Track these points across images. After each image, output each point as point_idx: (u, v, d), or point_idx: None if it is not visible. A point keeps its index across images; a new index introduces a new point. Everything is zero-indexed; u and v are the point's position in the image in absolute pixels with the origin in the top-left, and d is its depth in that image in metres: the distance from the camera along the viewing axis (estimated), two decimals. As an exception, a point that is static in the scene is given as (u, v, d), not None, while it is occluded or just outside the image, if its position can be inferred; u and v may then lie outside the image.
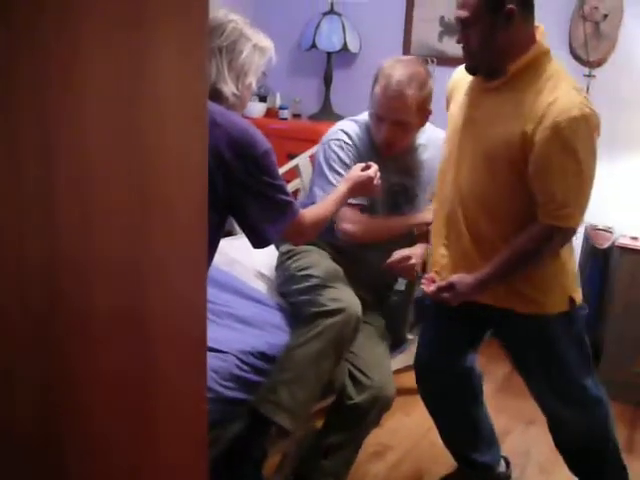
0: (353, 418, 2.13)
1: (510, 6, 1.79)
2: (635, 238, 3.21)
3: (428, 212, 2.29)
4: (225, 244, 2.05)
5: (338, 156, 2.31)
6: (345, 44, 3.99)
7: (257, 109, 4.12)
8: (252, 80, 1.86)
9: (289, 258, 2.35)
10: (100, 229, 0.84)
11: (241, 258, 2.65)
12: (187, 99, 0.90)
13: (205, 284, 0.98)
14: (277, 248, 2.46)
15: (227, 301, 2.37)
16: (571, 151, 1.78)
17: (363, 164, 2.16)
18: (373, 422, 2.20)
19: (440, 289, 1.98)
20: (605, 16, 3.33)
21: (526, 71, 1.86)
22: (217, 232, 1.82)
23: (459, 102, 2.04)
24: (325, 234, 2.15)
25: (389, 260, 2.24)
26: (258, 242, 1.87)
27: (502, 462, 2.47)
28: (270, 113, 4.24)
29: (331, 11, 4.05)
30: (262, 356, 2.12)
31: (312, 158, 2.99)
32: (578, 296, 2.01)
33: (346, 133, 2.35)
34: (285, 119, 4.14)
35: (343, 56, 4.10)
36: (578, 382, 2.06)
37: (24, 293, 0.79)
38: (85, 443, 0.91)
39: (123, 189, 0.85)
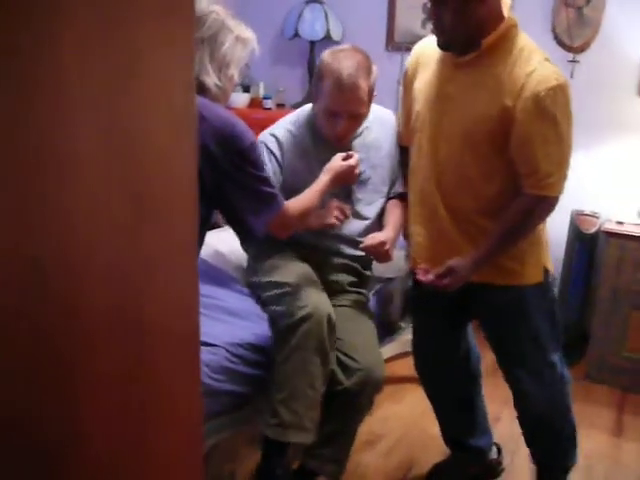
0: (345, 403, 2.14)
1: None
2: (621, 223, 3.23)
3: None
4: (211, 236, 2.05)
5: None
6: (328, 32, 3.96)
7: (241, 99, 4.08)
8: (234, 72, 1.85)
9: (255, 263, 2.36)
10: (90, 227, 0.83)
11: (226, 250, 2.65)
12: (175, 95, 0.89)
13: (197, 279, 0.97)
14: (246, 251, 2.45)
15: (213, 293, 2.37)
16: (552, 120, 1.80)
17: (344, 154, 2.15)
18: (366, 405, 2.21)
19: (439, 276, 1.97)
20: (588, 1, 3.33)
21: (498, 44, 1.86)
22: (204, 225, 1.82)
23: (427, 77, 2.03)
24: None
25: (364, 244, 2.23)
26: (245, 234, 1.87)
27: (494, 448, 2.49)
28: (254, 103, 4.21)
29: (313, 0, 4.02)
30: (251, 347, 2.14)
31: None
32: (551, 266, 2.07)
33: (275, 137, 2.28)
34: (269, 109, 4.11)
35: (326, 44, 4.03)
36: (547, 357, 2.10)
37: (17, 292, 0.77)
38: (79, 443, 0.90)
39: (113, 187, 0.84)
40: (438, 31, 1.90)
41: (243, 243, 2.39)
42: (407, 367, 3.11)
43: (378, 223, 2.36)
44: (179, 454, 1.04)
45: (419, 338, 2.35)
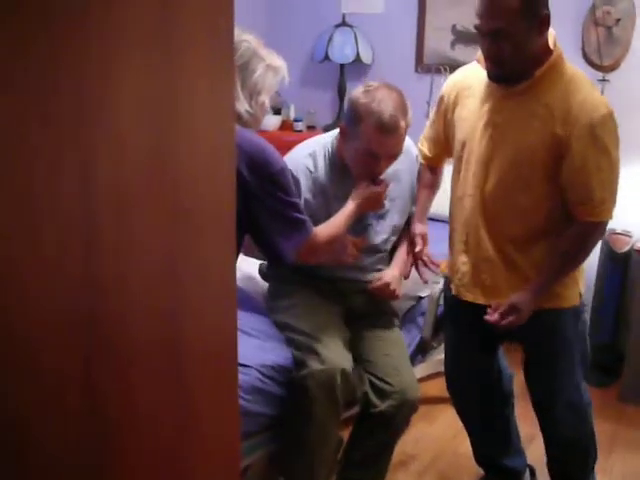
0: (380, 425, 2.15)
1: (546, 12, 1.82)
2: (654, 241, 3.19)
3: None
4: (240, 260, 2.08)
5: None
6: (358, 55, 4.02)
7: (272, 122, 4.14)
8: (265, 99, 1.89)
9: (273, 300, 2.38)
10: (137, 248, 0.87)
11: (256, 274, 2.67)
12: (216, 119, 0.93)
13: (235, 300, 1.00)
14: (264, 278, 2.47)
15: (245, 317, 2.39)
16: (604, 148, 1.84)
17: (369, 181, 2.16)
18: (402, 426, 2.22)
19: (503, 314, 1.96)
20: (618, 20, 3.33)
21: (548, 74, 1.88)
22: (236, 249, 1.85)
23: (472, 107, 2.04)
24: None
25: (371, 286, 2.28)
26: (274, 258, 1.90)
27: (527, 470, 2.47)
28: (285, 126, 4.27)
29: (343, 23, 4.08)
30: (281, 369, 2.15)
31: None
32: (583, 292, 2.09)
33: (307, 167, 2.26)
34: (300, 131, 4.16)
35: (356, 67, 4.12)
36: (577, 382, 2.12)
37: (64, 306, 0.81)
38: (118, 461, 0.93)
39: (158, 207, 0.88)
40: (494, 64, 1.90)
41: (270, 267, 2.42)
42: (439, 387, 3.11)
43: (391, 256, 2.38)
44: (217, 474, 1.07)
45: (452, 357, 2.36)
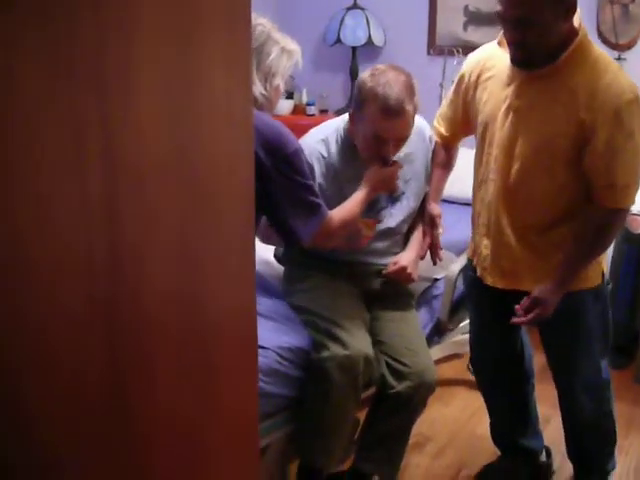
0: (398, 405, 2.16)
1: None
2: (671, 222, 3.17)
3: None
4: (257, 244, 2.09)
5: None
6: (370, 38, 3.99)
7: (284, 106, 4.13)
8: (280, 82, 1.89)
9: (289, 283, 2.39)
10: (157, 232, 0.88)
11: (271, 258, 2.68)
12: (235, 105, 0.93)
13: (254, 282, 1.01)
14: (279, 262, 2.50)
15: (262, 300, 2.41)
16: (630, 133, 1.81)
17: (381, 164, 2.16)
18: (419, 407, 2.22)
19: (527, 310, 1.95)
20: (633, -2, 3.29)
21: (573, 56, 1.84)
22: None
23: (494, 89, 2.00)
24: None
25: (386, 270, 2.28)
26: (289, 240, 1.90)
27: (544, 451, 2.48)
28: (297, 110, 4.26)
29: (354, 6, 4.06)
30: (299, 351, 2.16)
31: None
32: (607, 269, 2.08)
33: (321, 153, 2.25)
34: (313, 115, 4.15)
35: (368, 50, 4.10)
36: (597, 362, 2.12)
37: (84, 291, 0.83)
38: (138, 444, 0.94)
39: (180, 189, 0.89)
40: (518, 50, 1.86)
41: (286, 251, 2.43)
42: (455, 369, 3.12)
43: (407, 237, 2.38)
44: (238, 454, 1.09)
45: (476, 335, 2.37)
